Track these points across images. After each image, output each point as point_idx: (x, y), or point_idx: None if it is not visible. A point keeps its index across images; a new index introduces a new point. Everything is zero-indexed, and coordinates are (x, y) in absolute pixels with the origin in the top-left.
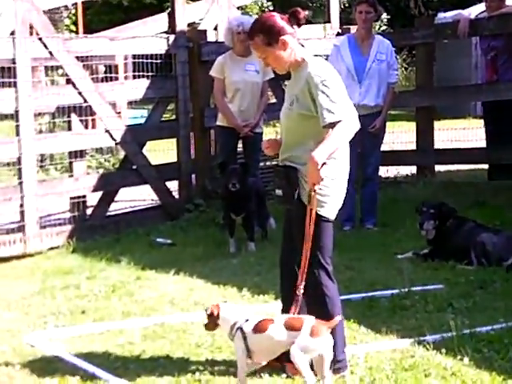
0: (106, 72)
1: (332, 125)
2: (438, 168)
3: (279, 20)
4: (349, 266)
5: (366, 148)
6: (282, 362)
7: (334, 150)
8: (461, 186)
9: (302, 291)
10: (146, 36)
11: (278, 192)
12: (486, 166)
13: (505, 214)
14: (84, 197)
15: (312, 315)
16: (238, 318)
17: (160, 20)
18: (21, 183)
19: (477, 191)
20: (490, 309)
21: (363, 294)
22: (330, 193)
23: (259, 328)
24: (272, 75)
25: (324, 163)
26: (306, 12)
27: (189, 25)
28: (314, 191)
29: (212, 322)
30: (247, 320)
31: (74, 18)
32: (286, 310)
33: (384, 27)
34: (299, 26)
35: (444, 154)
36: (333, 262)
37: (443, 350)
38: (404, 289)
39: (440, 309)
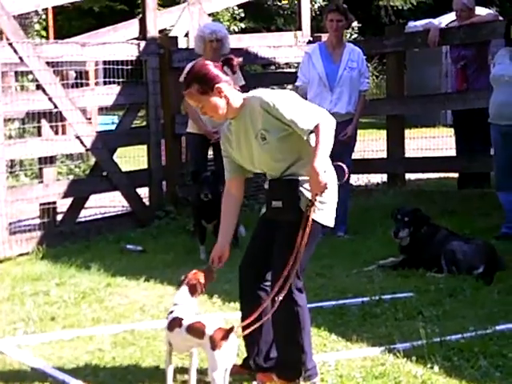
0: (76, 78)
1: (315, 129)
2: (409, 176)
3: (213, 68)
4: (320, 274)
5: (337, 156)
6: (251, 370)
7: (328, 153)
8: (431, 194)
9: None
10: (117, 42)
11: (276, 204)
12: (455, 175)
13: (474, 222)
14: (54, 203)
15: (279, 323)
16: (173, 305)
17: (131, 26)
18: None
19: (447, 200)
20: (460, 317)
21: (334, 302)
22: (327, 200)
23: (170, 326)
24: (243, 82)
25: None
26: (240, 59)
27: (160, 31)
28: (315, 200)
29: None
30: (171, 312)
31: (44, 23)
32: (245, 315)
33: (355, 35)
34: (234, 72)
35: (414, 163)
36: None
37: (413, 358)
38: (374, 297)
39: (410, 317)
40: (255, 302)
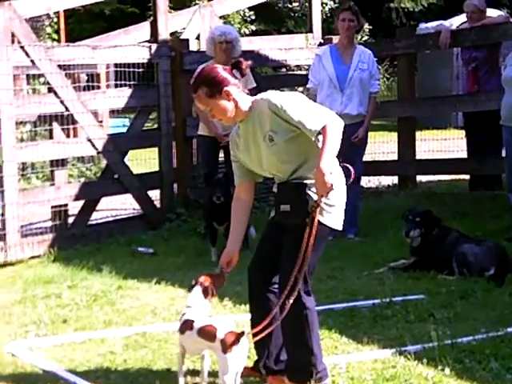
0: (88, 81)
1: (322, 130)
2: (420, 178)
3: (221, 71)
4: (330, 276)
5: (347, 158)
6: (261, 373)
7: (334, 154)
8: (442, 196)
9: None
10: (129, 45)
11: (284, 207)
12: (467, 177)
13: (486, 224)
14: (66, 206)
15: (288, 326)
16: (185, 308)
17: (142, 29)
18: (2, 192)
19: (458, 202)
20: (471, 319)
21: (345, 304)
22: (335, 203)
23: (181, 329)
24: (254, 84)
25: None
26: (249, 62)
27: (171, 34)
28: (321, 202)
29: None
30: (183, 315)
31: (56, 26)
32: (255, 318)
33: (366, 37)
34: (243, 75)
35: (425, 165)
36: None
37: (424, 361)
38: (385, 299)
39: (421, 319)
40: (264, 305)
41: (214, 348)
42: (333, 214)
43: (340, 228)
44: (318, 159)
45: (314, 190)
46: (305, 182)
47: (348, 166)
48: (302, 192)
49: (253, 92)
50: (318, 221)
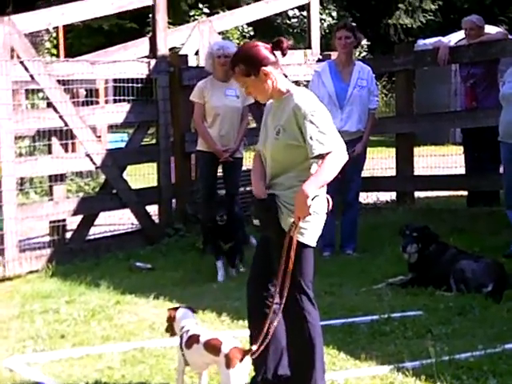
0: (86, 96)
1: (321, 156)
2: (418, 194)
3: (262, 50)
4: (329, 292)
5: (346, 174)
6: None
7: (324, 184)
8: (440, 212)
9: (278, 306)
10: (128, 60)
11: (256, 222)
12: (465, 193)
13: (484, 240)
14: (64, 221)
15: (292, 342)
16: (185, 324)
17: (141, 44)
18: (0, 206)
19: (456, 218)
20: (469, 335)
21: (343, 320)
22: (312, 221)
23: (188, 343)
24: (252, 100)
25: (314, 197)
26: (290, 42)
27: (170, 50)
28: (298, 222)
29: (170, 325)
30: (187, 331)
31: (54, 41)
32: (252, 333)
33: (364, 53)
34: (283, 55)
35: (423, 181)
36: (313, 288)
37: (422, 377)
38: (384, 315)
39: (419, 335)
40: (261, 319)
41: (218, 362)
42: (308, 230)
43: (313, 245)
44: (307, 180)
45: (284, 202)
46: (275, 192)
47: (328, 196)
48: (269, 204)
49: (251, 108)
50: (297, 241)
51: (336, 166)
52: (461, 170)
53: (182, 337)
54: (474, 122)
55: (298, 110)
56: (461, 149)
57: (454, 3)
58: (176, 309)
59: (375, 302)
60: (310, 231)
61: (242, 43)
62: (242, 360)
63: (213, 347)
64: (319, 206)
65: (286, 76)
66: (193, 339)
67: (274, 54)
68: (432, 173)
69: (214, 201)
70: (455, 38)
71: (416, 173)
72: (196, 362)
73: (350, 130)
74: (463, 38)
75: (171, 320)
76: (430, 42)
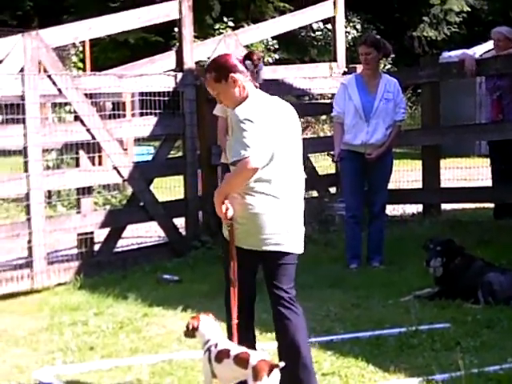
0: (113, 109)
1: (235, 163)
2: (444, 206)
3: (232, 59)
4: (355, 304)
5: (372, 186)
6: None
7: (229, 190)
8: (467, 224)
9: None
10: (154, 74)
11: None
12: (491, 205)
13: (511, 252)
14: (91, 233)
15: (279, 342)
16: (211, 337)
17: (168, 58)
18: (29, 219)
19: (483, 230)
20: (498, 348)
21: (370, 333)
22: (256, 226)
23: (218, 357)
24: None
25: (223, 201)
26: (261, 54)
27: (196, 63)
28: (231, 225)
29: (190, 333)
30: (216, 344)
31: (81, 55)
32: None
33: (388, 66)
34: (255, 66)
35: (450, 193)
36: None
37: None
38: (411, 327)
39: (447, 347)
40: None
41: (247, 375)
42: (254, 236)
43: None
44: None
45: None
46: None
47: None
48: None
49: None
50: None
51: (239, 175)
52: (487, 182)
53: (209, 350)
54: (501, 134)
55: (233, 117)
56: (487, 161)
57: (478, 15)
58: (197, 318)
59: (403, 314)
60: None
61: (266, 56)
62: (269, 373)
63: (241, 360)
64: (264, 209)
65: (257, 87)
66: (223, 353)
67: (244, 65)
68: (458, 185)
69: None
70: (480, 50)
71: (442, 185)
72: (225, 376)
73: (377, 143)
74: (488, 51)
75: (194, 330)
76: (455, 54)
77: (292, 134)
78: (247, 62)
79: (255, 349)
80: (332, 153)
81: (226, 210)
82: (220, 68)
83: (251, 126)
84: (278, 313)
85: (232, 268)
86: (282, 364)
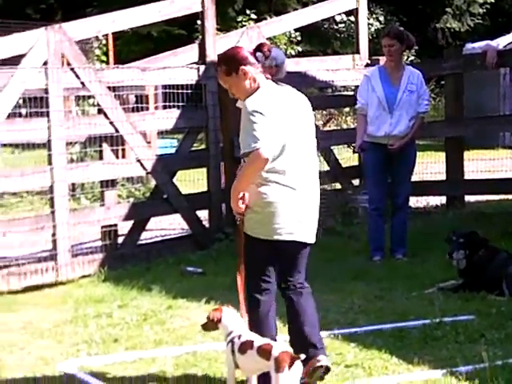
0: (136, 102)
1: (247, 154)
2: (468, 198)
3: (242, 51)
4: (379, 296)
5: (396, 178)
6: None
7: (245, 181)
8: (491, 216)
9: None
10: (177, 66)
11: None
12: None
13: None
14: (115, 226)
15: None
16: (234, 329)
17: (190, 51)
18: (53, 212)
19: (507, 222)
20: None
21: (394, 325)
22: (269, 215)
23: (242, 348)
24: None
25: (243, 195)
26: (272, 46)
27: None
28: (242, 216)
29: (211, 325)
30: (240, 336)
31: (104, 48)
32: None
33: (412, 57)
34: (266, 58)
35: (474, 185)
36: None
37: (476, 381)
38: (435, 319)
39: (471, 340)
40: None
41: (270, 367)
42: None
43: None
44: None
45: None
46: None
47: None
48: None
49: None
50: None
51: (251, 166)
52: (511, 173)
53: (233, 342)
54: None
55: (243, 109)
56: (511, 152)
57: (502, 7)
58: (219, 310)
59: (426, 306)
60: (249, 223)
61: (289, 49)
62: (291, 364)
63: (264, 351)
64: (277, 197)
65: (269, 78)
66: (246, 345)
67: (255, 58)
68: (482, 177)
69: None
70: (504, 41)
71: (466, 177)
72: (249, 367)
73: (400, 135)
74: None
75: (217, 322)
76: (478, 45)
77: (305, 124)
78: (258, 54)
79: (275, 340)
80: (354, 144)
81: (243, 202)
82: (230, 61)
83: (260, 117)
84: (288, 299)
85: (240, 259)
86: (303, 356)
